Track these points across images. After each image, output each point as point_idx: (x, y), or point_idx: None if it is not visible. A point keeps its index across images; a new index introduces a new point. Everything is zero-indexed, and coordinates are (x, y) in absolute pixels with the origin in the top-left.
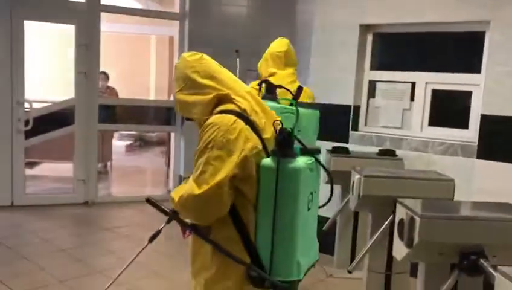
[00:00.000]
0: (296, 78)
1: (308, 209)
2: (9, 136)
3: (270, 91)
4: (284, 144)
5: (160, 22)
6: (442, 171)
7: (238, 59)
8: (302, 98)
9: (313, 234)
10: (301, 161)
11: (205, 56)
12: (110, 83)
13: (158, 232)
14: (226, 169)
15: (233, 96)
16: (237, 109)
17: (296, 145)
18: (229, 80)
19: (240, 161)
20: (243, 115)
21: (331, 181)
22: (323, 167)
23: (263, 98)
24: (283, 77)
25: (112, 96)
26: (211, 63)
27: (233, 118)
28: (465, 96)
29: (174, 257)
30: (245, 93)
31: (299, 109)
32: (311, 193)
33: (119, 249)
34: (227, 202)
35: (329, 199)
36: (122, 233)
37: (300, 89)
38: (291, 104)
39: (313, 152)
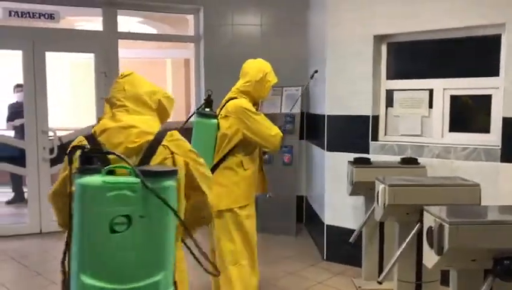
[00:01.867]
0: (237, 91)
1: (115, 231)
2: (36, 164)
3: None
4: (82, 161)
5: (175, 45)
6: (467, 177)
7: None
8: (222, 111)
9: (131, 260)
10: (98, 178)
11: (125, 78)
12: None
13: None
14: (54, 185)
15: (101, 120)
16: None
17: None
18: (124, 99)
19: (61, 180)
20: (91, 136)
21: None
22: (153, 191)
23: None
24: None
25: None
26: (120, 85)
27: (76, 140)
28: (485, 100)
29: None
30: (115, 112)
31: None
32: (128, 216)
33: None
34: (57, 213)
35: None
36: None
37: (227, 101)
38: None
39: (149, 174)
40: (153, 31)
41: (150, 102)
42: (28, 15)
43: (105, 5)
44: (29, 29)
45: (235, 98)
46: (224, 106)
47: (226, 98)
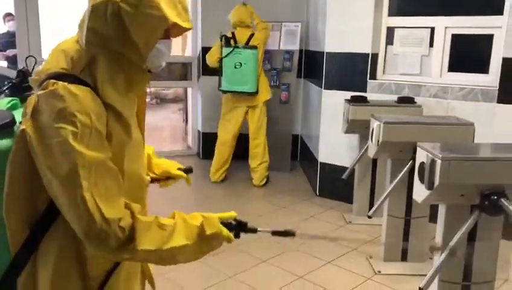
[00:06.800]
0: (252, 28)
1: None
2: None
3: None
4: None
5: None
6: (462, 117)
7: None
8: (252, 42)
9: None
10: None
11: None
12: None
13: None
14: None
15: None
16: None
17: None
18: None
19: None
20: None
21: None
22: None
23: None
24: (241, 32)
25: None
26: None
27: None
28: (486, 40)
29: None
30: None
31: (240, 48)
32: None
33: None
34: None
35: None
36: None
37: (251, 35)
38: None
39: None
40: None
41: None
42: None
43: None
44: None
45: (253, 34)
46: (250, 38)
47: (244, 34)
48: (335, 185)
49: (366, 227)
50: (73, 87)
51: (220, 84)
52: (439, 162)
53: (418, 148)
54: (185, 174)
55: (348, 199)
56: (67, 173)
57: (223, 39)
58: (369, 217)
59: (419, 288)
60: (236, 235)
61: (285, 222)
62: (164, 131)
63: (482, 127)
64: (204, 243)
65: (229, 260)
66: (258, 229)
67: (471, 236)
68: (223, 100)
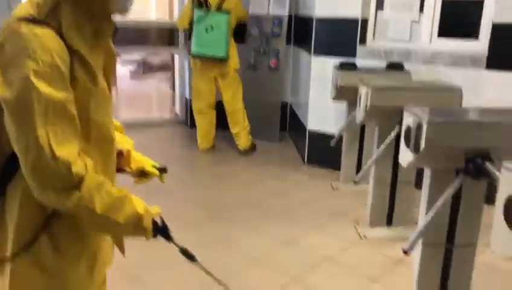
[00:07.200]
0: None
1: None
2: None
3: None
4: None
5: None
6: (451, 83)
7: None
8: (225, 6)
9: None
10: None
11: None
12: None
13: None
14: None
15: None
16: None
17: None
18: None
19: None
20: None
21: None
22: None
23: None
24: None
25: None
26: None
27: None
28: (476, 6)
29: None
30: None
31: (212, 11)
32: None
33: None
34: None
35: None
36: None
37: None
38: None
39: None
40: None
41: None
42: None
43: None
44: None
45: None
46: (222, 1)
47: None
48: (323, 153)
49: (352, 193)
50: (36, 28)
51: (189, 49)
52: (425, 125)
53: (404, 112)
54: (157, 172)
55: (336, 166)
56: (22, 107)
57: (195, 1)
58: (355, 182)
59: (403, 250)
60: (155, 235)
61: (273, 190)
62: (151, 99)
63: (471, 93)
64: (136, 230)
65: (214, 228)
66: (173, 240)
67: (456, 200)
68: (192, 66)
